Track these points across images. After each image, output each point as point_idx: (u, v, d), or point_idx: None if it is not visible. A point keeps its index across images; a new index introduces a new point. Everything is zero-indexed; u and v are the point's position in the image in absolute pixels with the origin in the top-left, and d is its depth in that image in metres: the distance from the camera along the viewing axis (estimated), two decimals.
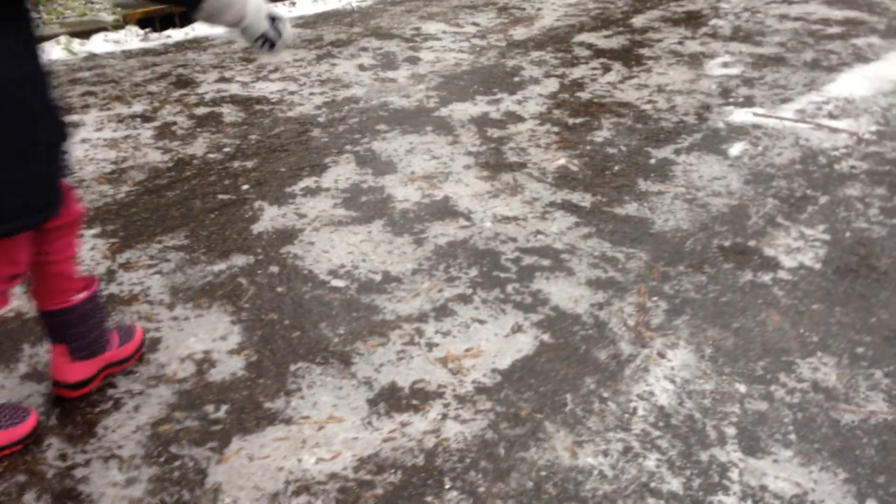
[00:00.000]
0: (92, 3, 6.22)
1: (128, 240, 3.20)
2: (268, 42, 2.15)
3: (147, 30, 5.91)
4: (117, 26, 5.79)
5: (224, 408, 2.38)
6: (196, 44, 5.69)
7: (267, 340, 2.67)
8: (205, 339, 2.66)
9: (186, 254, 3.12)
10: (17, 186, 1.84)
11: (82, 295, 2.31)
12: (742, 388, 2.52)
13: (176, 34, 5.87)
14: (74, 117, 4.32)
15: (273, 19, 2.14)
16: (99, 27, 5.71)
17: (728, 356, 2.65)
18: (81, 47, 5.43)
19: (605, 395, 2.47)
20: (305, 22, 6.21)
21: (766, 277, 3.06)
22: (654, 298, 2.93)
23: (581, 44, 5.80)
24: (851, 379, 2.57)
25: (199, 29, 5.96)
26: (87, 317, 2.34)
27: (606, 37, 5.98)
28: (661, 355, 2.64)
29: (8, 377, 2.47)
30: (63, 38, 5.42)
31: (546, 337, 2.71)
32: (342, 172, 3.78)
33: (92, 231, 3.25)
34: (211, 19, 2.02)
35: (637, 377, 2.54)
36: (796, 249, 3.25)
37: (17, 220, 1.88)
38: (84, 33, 5.60)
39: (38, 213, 1.92)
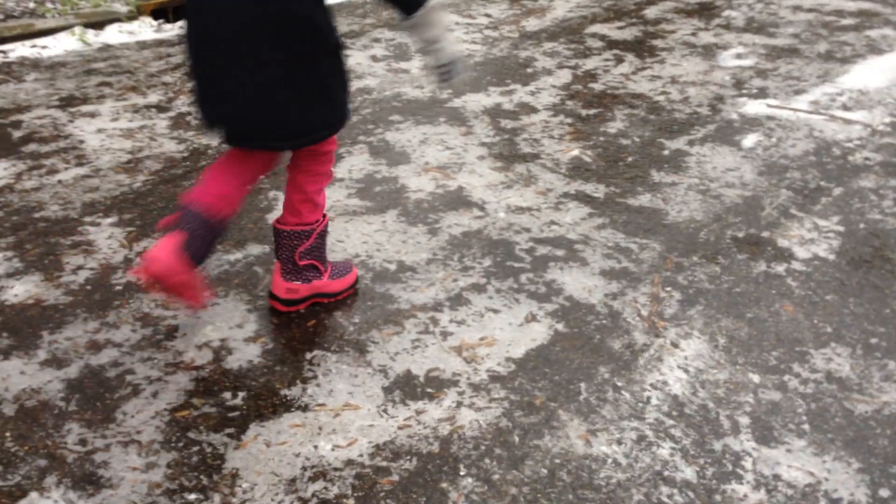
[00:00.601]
0: None
1: (145, 228, 3.22)
2: (447, 73, 2.46)
3: (160, 21, 5.93)
4: (131, 17, 5.81)
5: (241, 395, 2.40)
6: None
7: (283, 328, 2.69)
8: (221, 327, 2.69)
9: None
10: (338, 99, 2.46)
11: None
12: (756, 377, 2.53)
13: None
14: (90, 108, 4.35)
15: (454, 59, 2.46)
16: (113, 18, 5.73)
17: (742, 346, 2.66)
18: (96, 38, 5.45)
19: (619, 384, 2.48)
20: None
21: (780, 268, 3.07)
22: (668, 289, 2.94)
23: (594, 35, 5.79)
24: (865, 369, 2.57)
25: None
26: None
27: (619, 28, 5.97)
28: (675, 345, 2.65)
29: (28, 363, 2.50)
30: (77, 29, 5.45)
31: (560, 326, 2.73)
32: (356, 163, 3.80)
33: (109, 220, 3.28)
34: (414, 29, 2.38)
35: (651, 366, 2.56)
36: (810, 240, 3.25)
37: (337, 124, 2.50)
38: (98, 24, 5.63)
39: (342, 122, 2.52)
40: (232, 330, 2.68)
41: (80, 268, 2.97)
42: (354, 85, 4.73)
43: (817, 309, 2.85)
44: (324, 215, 2.70)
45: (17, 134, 4.02)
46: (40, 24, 5.52)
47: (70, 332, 2.64)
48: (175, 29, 5.81)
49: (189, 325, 2.69)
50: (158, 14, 6.01)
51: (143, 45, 5.44)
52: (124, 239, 3.16)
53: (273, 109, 2.32)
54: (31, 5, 5.87)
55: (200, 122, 2.46)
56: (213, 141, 3.98)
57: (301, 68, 2.29)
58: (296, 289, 2.72)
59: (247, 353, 2.57)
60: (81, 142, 3.94)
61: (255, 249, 3.11)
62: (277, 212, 3.36)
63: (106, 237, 3.16)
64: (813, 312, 2.83)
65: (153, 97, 4.51)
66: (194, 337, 2.64)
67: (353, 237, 3.20)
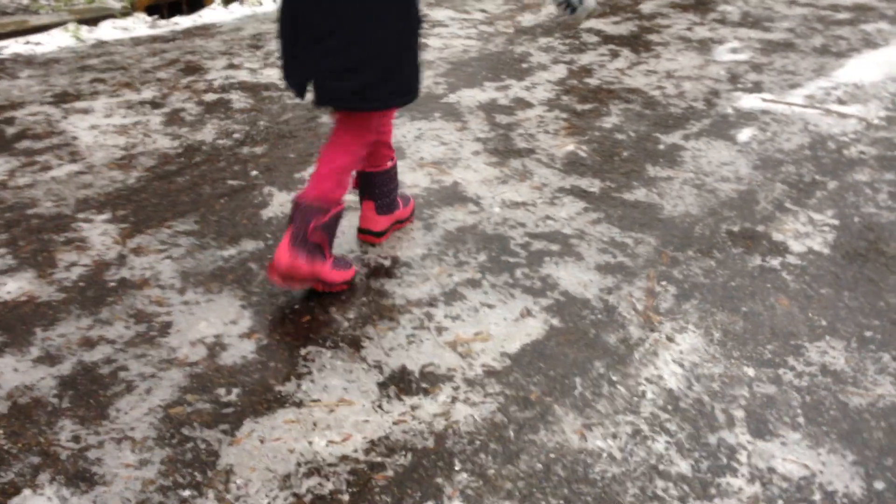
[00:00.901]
0: None
1: (138, 225, 3.21)
2: (570, 7, 2.47)
3: (155, 17, 5.91)
4: (125, 13, 5.79)
5: (235, 391, 2.40)
6: (204, 31, 5.69)
7: (277, 324, 2.68)
8: (216, 323, 2.68)
9: (196, 239, 3.14)
10: (414, 70, 2.64)
11: (390, 163, 3.00)
12: (751, 371, 2.53)
13: (184, 21, 5.88)
14: (84, 104, 4.33)
15: None
16: (107, 14, 5.72)
17: (737, 340, 2.66)
18: (90, 34, 5.44)
19: (614, 378, 2.48)
20: None
21: (775, 262, 3.07)
22: (663, 283, 2.93)
23: (589, 30, 5.78)
24: (860, 362, 2.57)
25: (206, 16, 5.96)
26: (392, 179, 3.04)
27: (615, 23, 5.96)
28: (670, 339, 2.65)
29: (21, 360, 2.50)
30: (71, 25, 5.43)
31: (555, 321, 2.72)
32: None
33: (103, 216, 3.27)
34: None
35: (646, 361, 2.55)
36: (805, 234, 3.25)
37: (411, 94, 2.66)
38: (92, 20, 5.61)
39: (416, 92, 2.68)
40: (226, 326, 2.67)
41: (73, 264, 2.96)
42: None
43: (812, 302, 2.85)
44: (341, 202, 2.75)
45: (10, 130, 4.01)
46: (34, 20, 5.50)
47: (63, 328, 2.64)
48: (170, 25, 5.79)
49: (183, 321, 2.69)
50: (153, 10, 5.99)
51: (137, 42, 5.42)
52: (118, 235, 3.15)
53: (366, 71, 2.50)
54: (25, 1, 5.85)
55: (289, 89, 2.66)
56: (206, 137, 3.98)
57: (395, 36, 2.50)
58: (299, 265, 2.73)
59: (241, 349, 2.57)
60: (75, 138, 3.93)
61: (250, 245, 3.10)
62: (272, 208, 3.36)
63: (99, 234, 3.15)
64: (808, 306, 2.83)
65: (147, 93, 4.50)
66: (188, 333, 2.63)
67: (348, 232, 3.19)
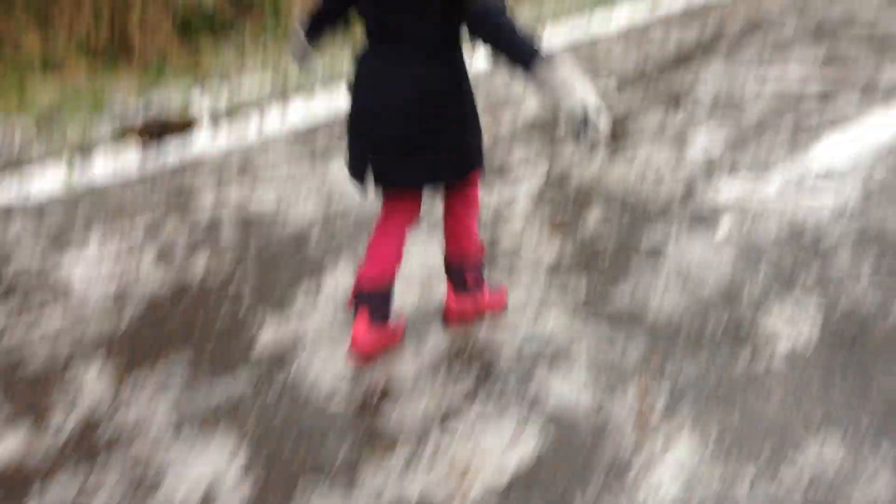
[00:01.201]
0: (91, 121, 6.39)
1: (132, 367, 3.24)
2: (581, 134, 2.50)
3: (145, 141, 6.05)
4: (116, 143, 5.94)
5: None
6: (194, 160, 5.82)
7: (273, 459, 2.69)
8: (211, 461, 2.68)
9: (191, 376, 3.16)
10: (477, 145, 2.96)
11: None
12: (751, 470, 2.52)
13: (174, 151, 6.01)
14: (76, 244, 4.41)
15: (589, 114, 2.44)
16: (98, 145, 5.86)
17: (734, 439, 2.66)
18: (82, 169, 5.57)
19: (614, 490, 2.47)
20: (297, 132, 6.36)
21: (765, 354, 3.09)
22: (656, 383, 2.95)
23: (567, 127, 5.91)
24: (858, 451, 2.57)
25: (196, 145, 6.11)
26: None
27: None
28: (667, 442, 2.65)
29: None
30: (64, 160, 5.57)
31: (550, 432, 2.73)
32: (341, 282, 3.84)
33: (97, 361, 3.30)
34: (540, 86, 2.50)
35: (644, 468, 2.55)
36: (792, 323, 3.28)
37: (481, 163, 3.00)
38: (84, 151, 5.75)
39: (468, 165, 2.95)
40: (222, 463, 2.67)
41: (67, 415, 2.97)
42: (337, 203, 4.82)
43: (805, 394, 2.86)
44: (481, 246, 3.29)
45: (1, 275, 4.07)
46: (26, 157, 5.64)
47: (59, 488, 2.63)
48: (160, 155, 5.93)
49: (179, 464, 2.69)
50: (143, 140, 6.15)
51: (127, 174, 5.54)
52: (111, 374, 3.17)
53: (434, 155, 2.84)
54: (17, 139, 6.00)
55: (357, 182, 2.95)
56: (198, 268, 4.03)
57: (451, 127, 2.82)
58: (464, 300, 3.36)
59: (237, 488, 2.57)
60: (66, 281, 3.99)
61: (244, 380, 3.12)
62: (265, 339, 3.39)
63: (93, 379, 3.18)
64: (801, 397, 2.84)
65: (138, 228, 4.58)
66: (184, 477, 2.63)
67: (341, 358, 3.22)
